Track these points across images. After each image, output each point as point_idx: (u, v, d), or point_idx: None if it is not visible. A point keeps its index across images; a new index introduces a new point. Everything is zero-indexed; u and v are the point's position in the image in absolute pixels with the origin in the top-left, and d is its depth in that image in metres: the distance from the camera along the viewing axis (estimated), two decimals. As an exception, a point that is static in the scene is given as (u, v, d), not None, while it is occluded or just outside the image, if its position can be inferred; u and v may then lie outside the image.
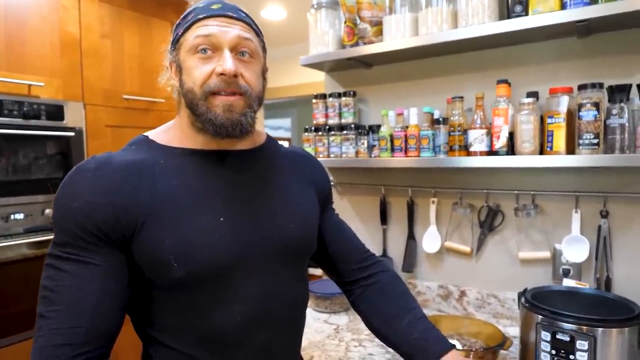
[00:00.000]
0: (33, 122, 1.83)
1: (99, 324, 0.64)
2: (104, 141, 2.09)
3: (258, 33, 0.76)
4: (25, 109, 1.81)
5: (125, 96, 2.17)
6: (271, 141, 0.87)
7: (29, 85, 1.82)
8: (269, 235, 0.75)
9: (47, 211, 1.88)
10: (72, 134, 1.95)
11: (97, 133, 2.07)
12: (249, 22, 0.74)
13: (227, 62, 0.68)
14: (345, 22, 1.51)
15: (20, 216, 1.81)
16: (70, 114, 1.95)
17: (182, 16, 0.74)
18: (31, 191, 1.84)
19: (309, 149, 1.64)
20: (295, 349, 0.84)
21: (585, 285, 1.21)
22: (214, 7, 0.71)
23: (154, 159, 0.71)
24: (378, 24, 1.46)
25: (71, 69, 1.96)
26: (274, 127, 6.14)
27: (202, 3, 0.73)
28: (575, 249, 1.26)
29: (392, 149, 1.44)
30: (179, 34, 0.72)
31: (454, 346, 0.83)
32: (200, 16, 0.69)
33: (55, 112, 1.90)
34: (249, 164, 0.78)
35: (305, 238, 0.82)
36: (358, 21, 1.49)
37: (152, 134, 0.76)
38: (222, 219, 0.71)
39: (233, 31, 0.70)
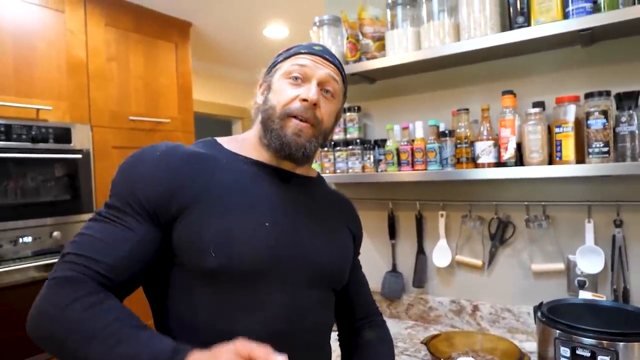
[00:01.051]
0: (41, 145, 1.85)
1: (123, 271, 0.66)
2: (111, 162, 2.11)
3: (344, 80, 0.86)
4: (33, 132, 1.83)
5: (131, 117, 2.19)
6: (321, 178, 0.95)
7: (37, 110, 1.84)
8: (305, 254, 0.77)
9: (55, 234, 1.88)
10: (80, 156, 1.97)
11: (104, 154, 2.08)
12: (340, 69, 0.84)
13: (312, 91, 0.76)
14: (347, 38, 1.52)
15: (28, 239, 1.81)
16: (77, 136, 1.97)
17: (285, 49, 0.84)
18: (39, 214, 1.84)
19: (315, 165, 1.63)
20: None
21: (602, 297, 1.18)
22: (316, 47, 0.81)
23: (217, 157, 0.76)
24: (380, 39, 1.47)
25: (78, 92, 1.99)
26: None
27: (306, 43, 0.84)
28: (590, 260, 1.23)
29: (399, 163, 1.43)
30: (278, 61, 0.82)
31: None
32: (302, 51, 0.80)
33: (63, 134, 1.92)
34: (301, 188, 0.84)
35: (340, 269, 0.85)
36: (360, 37, 1.50)
37: (220, 139, 0.82)
38: (267, 224, 0.74)
39: (324, 70, 0.79)
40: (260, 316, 0.71)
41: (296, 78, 0.78)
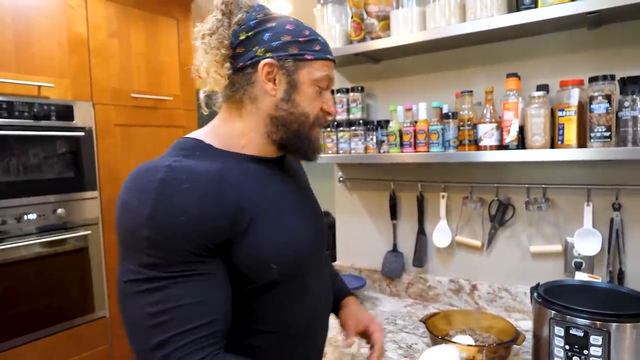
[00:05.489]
0: (43, 122, 1.85)
1: (228, 318, 0.66)
2: (114, 140, 2.11)
3: None
4: (35, 109, 1.82)
5: (133, 95, 2.17)
6: None
7: (39, 87, 1.83)
8: (319, 234, 0.85)
9: (59, 211, 1.90)
10: (82, 133, 1.97)
11: (107, 132, 2.09)
12: None
13: (333, 107, 0.84)
14: (352, 17, 1.50)
15: (32, 216, 1.83)
16: (79, 113, 1.97)
17: (304, 34, 0.76)
18: (43, 191, 1.86)
19: (317, 145, 1.64)
20: (324, 345, 0.91)
21: (598, 278, 1.21)
22: (329, 53, 0.80)
23: (228, 165, 0.71)
24: (385, 19, 1.45)
25: (80, 69, 1.97)
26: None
27: (320, 39, 0.78)
28: (588, 242, 1.26)
29: (401, 144, 1.44)
30: (304, 54, 0.75)
31: (353, 294, 1.04)
32: (327, 56, 0.78)
33: (65, 112, 1.92)
34: (292, 169, 0.88)
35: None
36: (365, 16, 1.48)
37: (204, 138, 0.75)
38: (302, 221, 0.80)
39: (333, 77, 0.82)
40: (310, 302, 0.79)
41: (322, 87, 0.78)
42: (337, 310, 0.99)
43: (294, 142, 0.78)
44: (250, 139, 0.77)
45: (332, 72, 0.80)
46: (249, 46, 0.74)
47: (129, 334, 0.62)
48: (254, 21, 0.74)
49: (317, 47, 0.76)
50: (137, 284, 0.60)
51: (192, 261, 0.62)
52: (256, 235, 0.69)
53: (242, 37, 0.74)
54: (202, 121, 3.79)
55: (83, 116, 1.98)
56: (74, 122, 1.95)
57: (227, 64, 0.74)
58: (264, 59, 0.73)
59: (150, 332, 0.59)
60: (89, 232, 2.00)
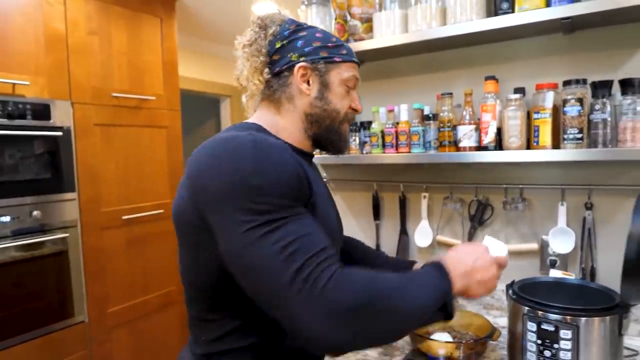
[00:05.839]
0: (18, 122, 1.80)
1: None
2: (93, 140, 2.08)
3: None
4: (9, 108, 1.78)
5: (114, 94, 2.14)
6: None
7: (14, 85, 1.79)
8: (341, 228, 0.96)
9: (35, 213, 1.86)
10: (60, 133, 1.93)
11: (86, 132, 2.05)
12: None
13: (360, 104, 0.92)
14: (335, 19, 1.51)
15: (7, 219, 1.79)
16: (57, 112, 1.93)
17: (332, 41, 0.86)
18: (19, 193, 1.81)
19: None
20: None
21: (572, 275, 1.25)
22: (354, 56, 0.90)
23: (288, 148, 0.77)
24: (368, 21, 1.47)
25: (57, 67, 1.94)
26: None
27: (345, 45, 0.89)
28: (562, 241, 1.30)
29: (384, 145, 1.46)
30: (333, 57, 0.85)
31: (414, 262, 1.12)
32: (353, 59, 0.89)
33: (42, 111, 1.88)
34: (314, 166, 0.97)
35: None
36: (348, 18, 1.50)
37: (264, 125, 0.85)
38: (333, 211, 0.89)
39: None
40: None
41: (350, 87, 0.88)
42: None
43: (327, 136, 0.88)
44: (290, 133, 0.86)
45: (358, 73, 0.90)
46: (284, 53, 0.84)
47: (263, 278, 0.64)
48: (288, 31, 0.85)
49: (344, 52, 0.87)
50: (256, 229, 0.64)
51: (294, 206, 0.68)
52: (316, 214, 0.75)
53: (277, 46, 0.84)
54: (185, 121, 3.76)
55: (61, 115, 1.94)
56: (51, 121, 1.91)
57: (266, 69, 0.84)
58: (298, 62, 0.83)
59: (285, 264, 0.63)
60: (67, 234, 1.96)
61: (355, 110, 0.91)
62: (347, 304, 0.62)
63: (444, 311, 0.74)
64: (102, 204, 2.10)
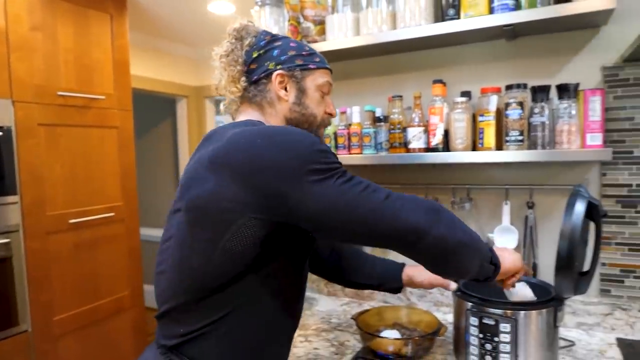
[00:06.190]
0: (-47, 120, 1.69)
1: None
2: (37, 141, 1.97)
3: None
4: (-57, 106, 1.66)
5: (60, 92, 2.04)
6: None
7: (-52, 81, 1.67)
8: None
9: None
10: (0, 133, 1.82)
11: (29, 132, 1.94)
12: None
13: (335, 110, 0.97)
14: (289, 21, 1.51)
15: (-59, 223, 1.67)
16: (-3, 111, 1.82)
17: (305, 50, 0.91)
18: (-46, 195, 1.70)
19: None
20: None
21: (515, 271, 1.30)
22: (326, 63, 0.94)
23: None
24: (321, 23, 1.48)
25: (-3, 63, 1.82)
26: (222, 123, 6.07)
27: (318, 53, 0.93)
28: (506, 238, 1.35)
29: (336, 147, 1.47)
30: (308, 65, 0.90)
31: (403, 264, 1.15)
32: (327, 66, 0.94)
33: (-21, 109, 1.77)
34: None
35: None
36: (301, 20, 1.50)
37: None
38: None
39: None
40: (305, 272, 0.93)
41: (325, 93, 0.93)
42: (400, 284, 1.14)
43: None
44: None
45: (331, 79, 0.95)
46: (261, 62, 0.89)
47: (365, 213, 0.73)
48: (264, 42, 0.90)
49: (317, 59, 0.92)
50: (338, 178, 0.74)
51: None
52: None
53: (254, 55, 0.89)
54: (140, 122, 3.64)
55: (1, 114, 1.83)
56: (-10, 120, 1.80)
57: (243, 78, 0.89)
58: (275, 70, 0.88)
59: (374, 194, 0.75)
60: (8, 240, 1.85)
61: (331, 115, 0.95)
62: (425, 203, 0.78)
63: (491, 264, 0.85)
64: (47, 208, 2.00)
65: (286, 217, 0.74)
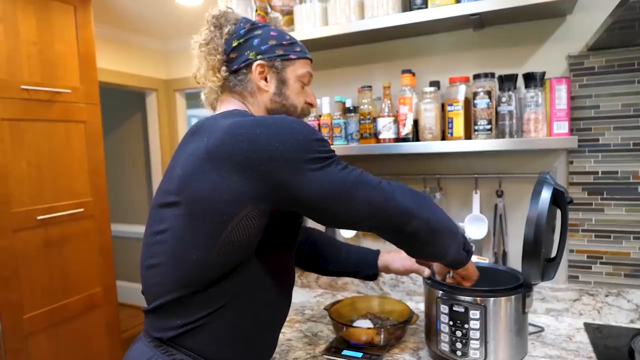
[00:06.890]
0: None
1: None
2: (1, 136, 1.89)
3: None
4: None
5: (23, 86, 1.96)
6: None
7: None
8: None
9: None
10: (-41, 129, 1.74)
11: (-9, 128, 1.86)
12: None
13: (315, 100, 0.97)
14: (256, 11, 1.48)
15: None
16: (-45, 107, 1.74)
17: (286, 39, 0.90)
18: None
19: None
20: None
21: (486, 259, 1.32)
22: (307, 53, 0.95)
23: None
24: (289, 13, 1.46)
25: (-47, 57, 1.74)
26: (194, 117, 6.00)
27: (299, 43, 0.93)
28: (476, 227, 1.37)
29: (308, 138, 1.45)
30: (289, 55, 0.89)
31: (378, 251, 1.17)
32: (307, 56, 0.94)
33: (-64, 105, 1.68)
34: None
35: None
36: (269, 10, 1.47)
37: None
38: None
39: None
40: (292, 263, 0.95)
41: (305, 83, 0.93)
42: (376, 271, 1.15)
43: None
44: None
45: (311, 69, 0.95)
46: (241, 51, 0.88)
47: (365, 196, 0.77)
48: (244, 30, 0.88)
49: (298, 49, 0.92)
50: (336, 166, 0.77)
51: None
52: None
53: (234, 44, 0.87)
54: (108, 116, 3.53)
55: (-41, 109, 1.75)
56: (-53, 116, 1.71)
57: (224, 67, 0.88)
58: (256, 60, 0.87)
59: (370, 179, 0.78)
60: (-29, 239, 1.78)
61: (311, 105, 0.95)
62: (409, 188, 0.84)
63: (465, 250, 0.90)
64: (12, 204, 1.93)
65: (289, 205, 0.76)
